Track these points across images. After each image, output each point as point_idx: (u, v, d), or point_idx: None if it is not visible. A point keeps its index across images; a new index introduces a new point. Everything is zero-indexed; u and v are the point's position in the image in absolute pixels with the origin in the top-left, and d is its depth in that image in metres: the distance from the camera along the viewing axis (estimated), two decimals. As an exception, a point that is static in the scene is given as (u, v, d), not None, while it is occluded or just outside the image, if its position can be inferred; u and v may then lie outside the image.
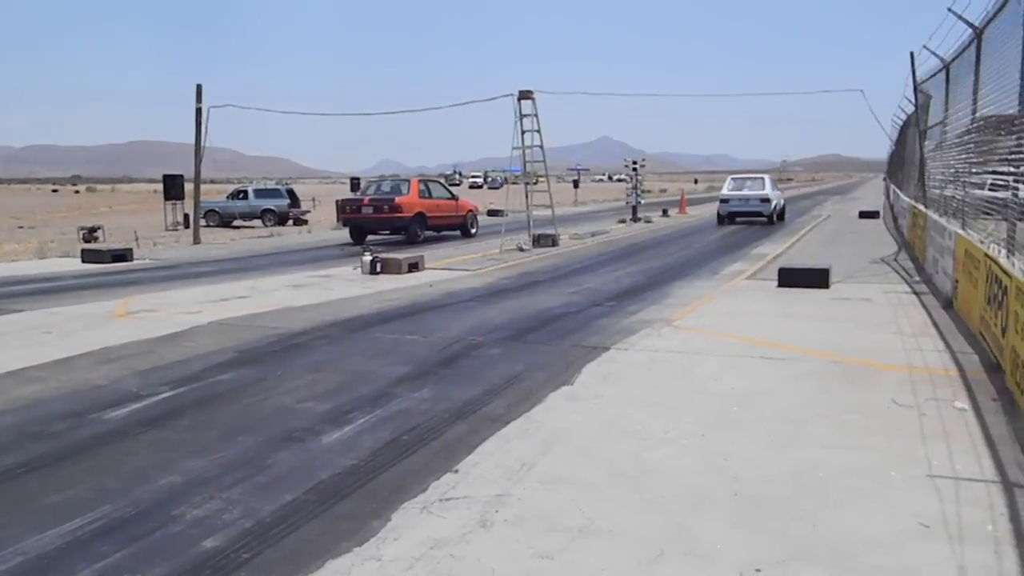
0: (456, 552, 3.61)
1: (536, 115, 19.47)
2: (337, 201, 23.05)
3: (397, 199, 21.07)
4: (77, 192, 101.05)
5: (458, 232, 22.95)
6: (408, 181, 22.23)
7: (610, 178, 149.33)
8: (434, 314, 10.16)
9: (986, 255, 7.45)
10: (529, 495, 4.23)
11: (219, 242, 23.38)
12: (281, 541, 3.78)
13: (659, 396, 6.07)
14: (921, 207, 15.66)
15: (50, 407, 6.09)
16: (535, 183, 20.90)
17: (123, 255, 17.55)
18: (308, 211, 35.15)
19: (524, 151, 19.73)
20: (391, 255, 14.85)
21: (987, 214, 8.75)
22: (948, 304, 9.74)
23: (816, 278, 11.46)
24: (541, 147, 19.71)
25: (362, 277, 13.89)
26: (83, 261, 17.25)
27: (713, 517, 3.93)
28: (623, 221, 28.55)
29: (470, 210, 23.54)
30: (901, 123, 25.37)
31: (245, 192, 34.50)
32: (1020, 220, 6.83)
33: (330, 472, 4.65)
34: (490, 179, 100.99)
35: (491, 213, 32.46)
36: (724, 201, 27.73)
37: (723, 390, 6.20)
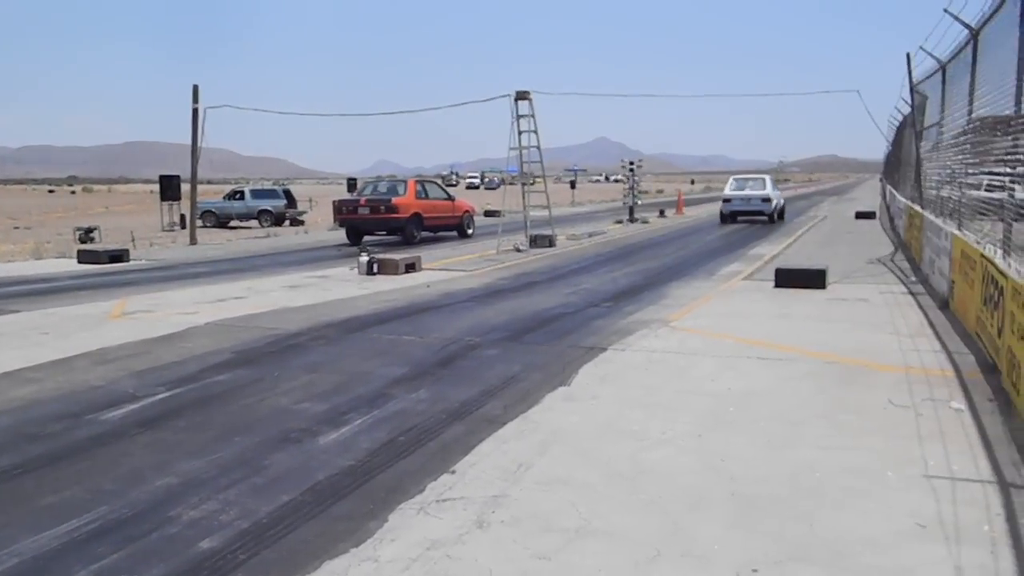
0: (453, 553, 3.60)
1: (533, 115, 19.49)
2: (334, 202, 23.03)
3: (394, 200, 21.06)
4: (73, 193, 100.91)
5: (455, 233, 22.94)
6: (405, 182, 22.21)
7: (607, 179, 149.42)
8: (431, 315, 10.16)
9: (982, 256, 7.46)
10: (526, 496, 4.23)
11: (216, 243, 23.34)
12: (278, 542, 3.78)
13: (656, 397, 6.07)
14: (917, 208, 15.70)
15: (46, 408, 6.07)
16: (532, 184, 20.90)
17: (119, 256, 17.52)
18: (305, 212, 35.12)
19: (521, 152, 19.75)
20: (388, 256, 14.84)
21: (983, 215, 8.77)
22: (944, 305, 9.76)
23: (813, 279, 11.48)
24: (538, 148, 19.72)
25: (359, 278, 13.88)
26: (79, 262, 17.21)
27: (710, 517, 3.93)
28: (620, 222, 28.57)
29: (467, 211, 23.54)
30: (897, 124, 25.43)
31: (242, 193, 34.46)
32: (1016, 221, 6.85)
33: (327, 473, 4.65)
34: (487, 180, 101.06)
35: (488, 214, 32.47)
36: (727, 200, 28.30)
37: (720, 391, 6.20)
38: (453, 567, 3.48)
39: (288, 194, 34.52)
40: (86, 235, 23.53)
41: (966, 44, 10.12)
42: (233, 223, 32.67)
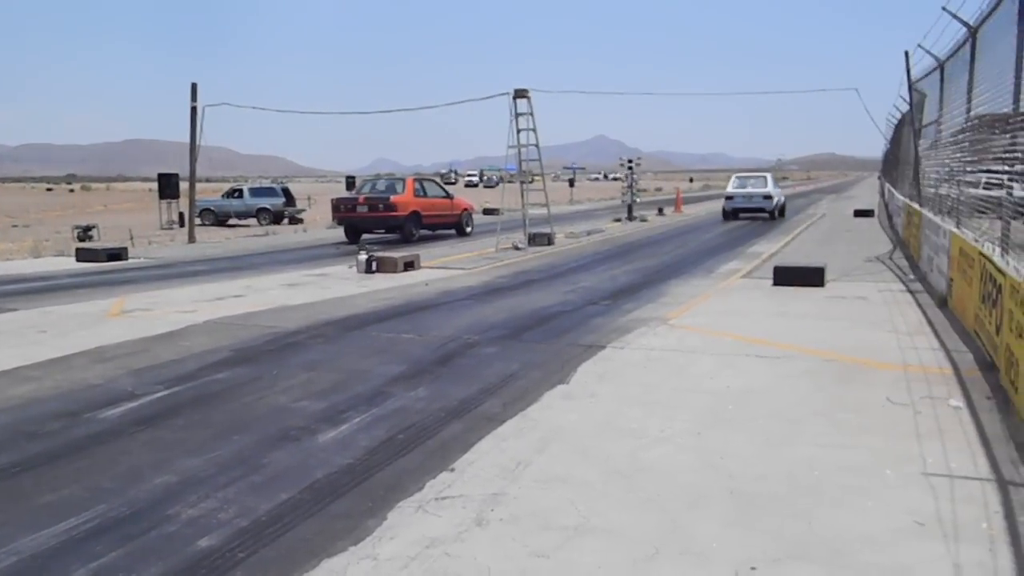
0: (452, 551, 3.61)
1: (531, 114, 19.48)
2: (332, 200, 23.02)
3: (392, 198, 21.03)
4: (72, 191, 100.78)
5: (453, 231, 22.93)
6: (403, 180, 22.18)
7: (606, 177, 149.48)
8: (430, 313, 10.16)
9: (980, 254, 7.47)
10: (525, 494, 4.23)
11: (214, 241, 23.33)
12: (277, 540, 3.78)
13: (655, 395, 6.07)
14: (916, 206, 15.70)
15: (45, 406, 6.07)
16: (531, 182, 20.90)
17: (118, 254, 17.50)
18: (303, 210, 35.10)
19: (520, 150, 19.74)
20: (387, 254, 14.84)
21: (981, 212, 8.77)
22: (943, 302, 9.77)
23: (811, 276, 11.49)
24: (537, 146, 19.71)
25: (358, 276, 13.88)
26: (78, 260, 17.19)
27: (709, 515, 3.94)
28: (619, 220, 28.57)
29: (465, 209, 23.51)
30: (896, 122, 25.43)
31: (240, 191, 34.45)
32: (1014, 218, 6.85)
33: (326, 471, 4.65)
34: (486, 178, 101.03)
35: (487, 212, 32.46)
36: (729, 198, 28.87)
37: (719, 388, 6.21)
38: (452, 565, 3.48)
39: (287, 192, 34.51)
40: (84, 233, 23.51)
41: (964, 42, 10.12)
42: (232, 221, 32.66)
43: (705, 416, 5.52)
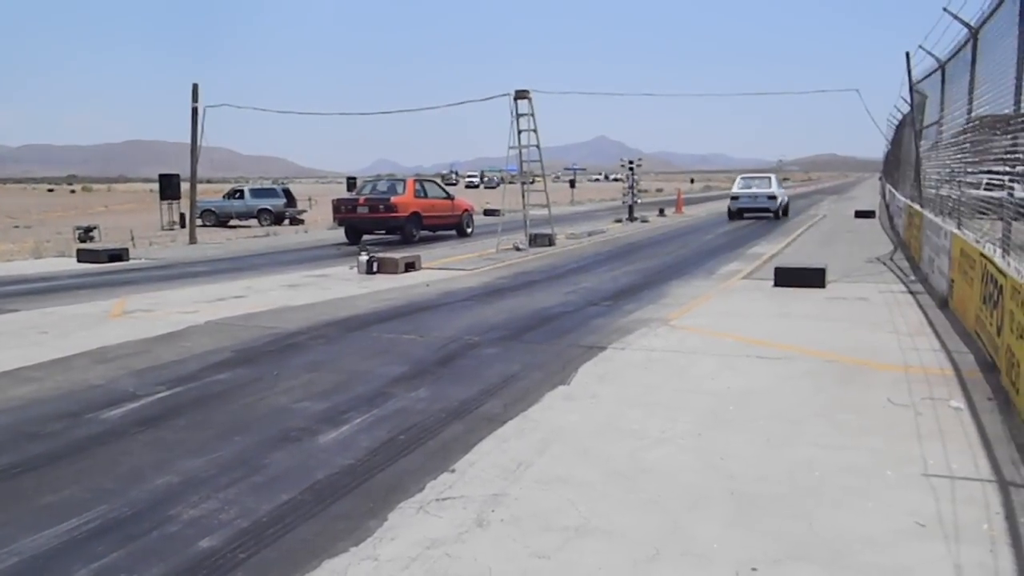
0: (453, 552, 3.61)
1: (532, 114, 19.48)
2: (333, 201, 23.03)
3: (392, 199, 21.03)
4: (73, 192, 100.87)
5: (454, 232, 22.93)
6: (404, 181, 22.17)
7: (606, 178, 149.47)
8: (431, 314, 10.16)
9: (981, 255, 7.46)
10: (526, 495, 4.24)
11: (215, 242, 23.33)
12: (278, 541, 3.78)
13: (656, 395, 6.07)
14: (917, 207, 15.70)
15: (46, 407, 6.07)
16: (531, 183, 20.90)
17: (119, 255, 17.51)
18: (304, 211, 35.11)
19: (520, 151, 19.74)
20: (388, 255, 14.84)
21: (983, 214, 8.77)
22: (944, 303, 9.76)
23: (812, 278, 11.48)
24: (537, 147, 19.71)
25: (359, 277, 13.88)
26: (79, 261, 17.21)
27: (709, 516, 3.94)
28: (619, 221, 28.57)
29: (466, 210, 23.51)
30: (897, 123, 25.43)
31: (241, 192, 34.46)
32: (1015, 220, 6.85)
33: (327, 472, 4.65)
34: (486, 179, 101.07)
35: (488, 213, 32.46)
36: (734, 198, 29.63)
37: (719, 389, 6.21)
38: (453, 566, 3.48)
39: (288, 193, 34.52)
40: (85, 234, 23.52)
41: (965, 43, 10.11)
42: (233, 222, 32.65)
43: (706, 417, 5.52)
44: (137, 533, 3.88)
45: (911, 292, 11.06)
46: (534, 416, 5.63)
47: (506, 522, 3.91)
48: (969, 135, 9.83)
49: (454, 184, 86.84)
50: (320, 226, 29.09)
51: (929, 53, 13.08)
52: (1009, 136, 7.21)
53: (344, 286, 12.73)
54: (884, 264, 14.57)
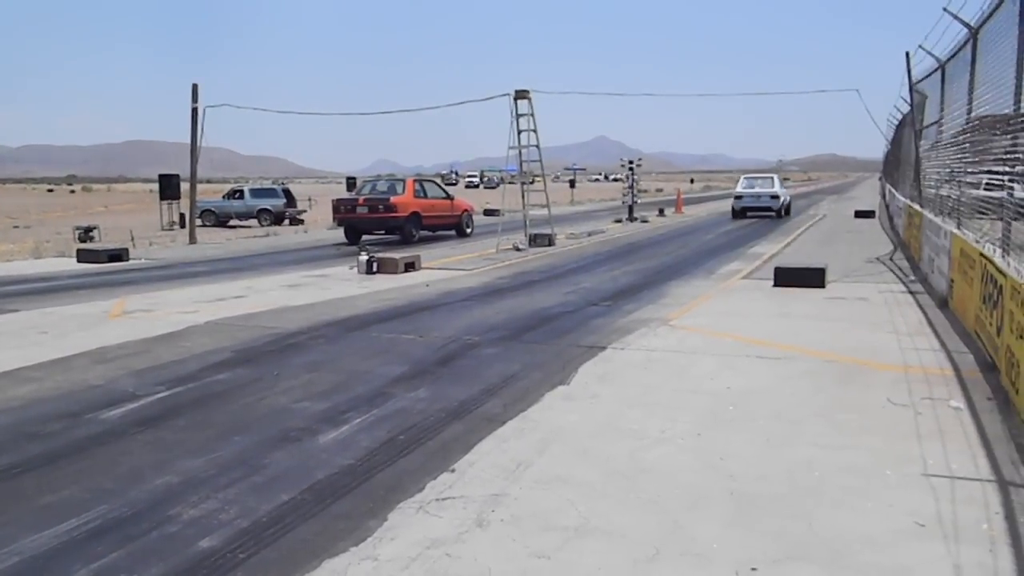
0: (453, 552, 3.61)
1: (532, 115, 19.48)
2: (333, 201, 23.02)
3: (392, 199, 21.02)
4: (73, 192, 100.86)
5: (453, 232, 22.91)
6: (403, 181, 22.16)
7: (606, 178, 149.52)
8: (431, 314, 10.16)
9: (981, 255, 7.47)
10: (526, 494, 4.24)
11: (215, 242, 23.34)
12: (277, 541, 3.78)
13: (655, 395, 6.07)
14: (917, 207, 15.70)
15: (46, 407, 6.07)
16: (531, 183, 20.90)
17: (119, 255, 17.51)
18: (304, 211, 35.10)
19: (520, 151, 19.74)
20: (388, 255, 14.84)
21: (982, 213, 8.78)
22: (943, 303, 9.77)
23: (812, 277, 11.48)
24: (537, 147, 19.70)
25: (358, 277, 13.89)
26: (79, 261, 17.21)
27: (709, 516, 3.94)
28: (619, 221, 28.57)
29: (465, 210, 23.50)
30: (897, 123, 25.44)
31: (241, 192, 34.45)
32: (1015, 220, 6.86)
33: (327, 472, 4.65)
34: (486, 179, 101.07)
35: (487, 213, 32.46)
36: (738, 197, 30.41)
37: (719, 389, 6.21)
38: (453, 566, 3.48)
39: (287, 193, 34.51)
40: (85, 234, 23.52)
41: (965, 43, 10.12)
42: (232, 222, 32.65)
43: (706, 417, 5.53)
44: (137, 533, 3.88)
45: (911, 292, 11.06)
46: (534, 416, 5.63)
47: (506, 522, 3.91)
48: (969, 135, 9.84)
49: (454, 184, 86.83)
50: (320, 226, 29.09)
51: (929, 53, 13.10)
52: (1009, 136, 7.21)
53: (344, 286, 12.73)
54: (884, 264, 14.57)
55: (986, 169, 8.76)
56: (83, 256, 17.41)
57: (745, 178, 32.37)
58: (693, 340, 8.06)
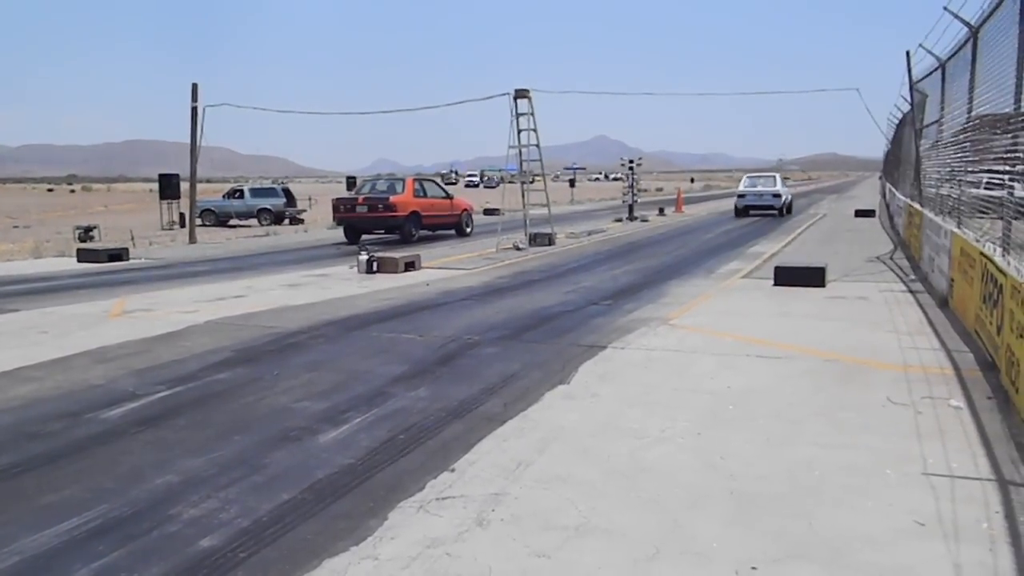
0: (453, 551, 3.61)
1: (532, 114, 19.48)
2: (333, 200, 23.02)
3: (392, 198, 21.00)
4: (73, 191, 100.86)
5: (453, 231, 22.90)
6: (403, 180, 22.14)
7: (607, 177, 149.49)
8: (431, 313, 10.16)
9: (981, 254, 7.47)
10: (526, 494, 4.24)
11: (215, 241, 23.34)
12: (278, 540, 3.78)
13: (655, 395, 6.08)
14: (917, 206, 15.70)
15: (46, 407, 6.08)
16: (531, 182, 20.90)
17: (119, 254, 17.52)
18: (304, 210, 35.12)
19: (520, 150, 19.74)
20: (388, 254, 14.84)
21: (983, 213, 8.78)
22: (944, 303, 9.77)
23: (812, 277, 11.48)
24: (537, 146, 19.71)
25: (358, 276, 13.89)
26: (79, 261, 17.22)
27: (709, 515, 3.94)
28: (619, 220, 28.58)
29: (465, 209, 23.49)
30: (897, 122, 25.43)
31: (241, 191, 34.45)
32: (1015, 219, 6.86)
33: (327, 471, 4.65)
34: (486, 178, 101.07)
35: (488, 212, 32.47)
36: (741, 196, 31.07)
37: (719, 388, 6.21)
38: (453, 565, 3.48)
39: (287, 193, 34.51)
40: (85, 234, 23.53)
41: (966, 42, 10.12)
42: (232, 222, 32.66)
43: (706, 416, 5.53)
44: (137, 532, 3.88)
45: (911, 291, 11.06)
46: (534, 415, 5.64)
47: (506, 521, 3.91)
48: (969, 134, 9.84)
49: (454, 183, 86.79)
50: (320, 225, 29.09)
51: (929, 52, 13.09)
52: (1009, 135, 7.21)
53: (344, 285, 12.73)
54: (884, 263, 14.57)
55: (986, 168, 8.76)
56: (83, 256, 17.41)
57: (748, 177, 33.02)
58: (693, 339, 8.06)
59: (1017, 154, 6.88)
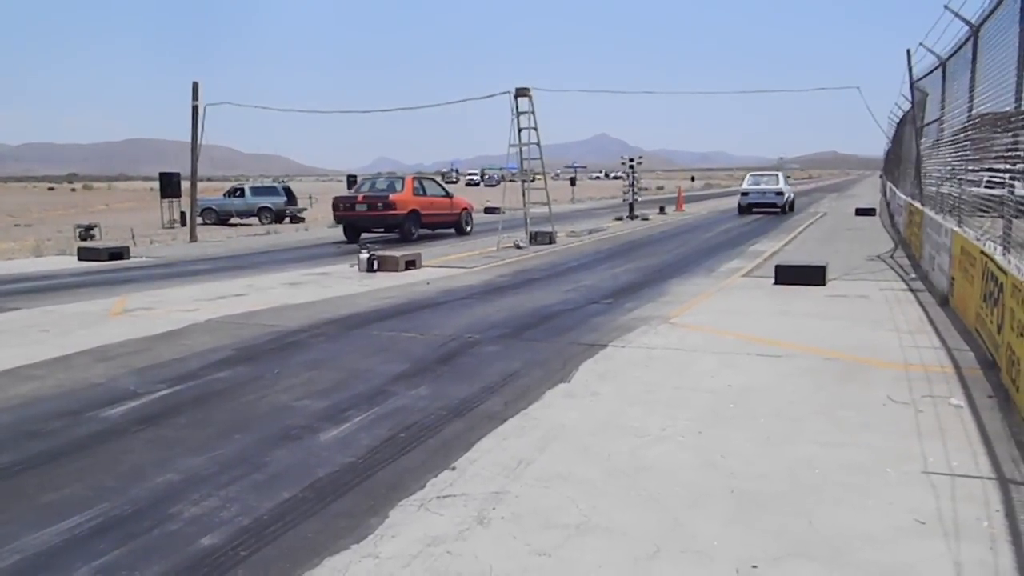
0: (454, 549, 3.61)
1: (533, 112, 19.47)
2: (333, 198, 23.01)
3: (391, 196, 20.98)
4: (73, 190, 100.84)
5: (452, 230, 22.88)
6: (402, 179, 22.12)
7: (607, 175, 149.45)
8: (431, 311, 10.17)
9: (982, 252, 7.47)
10: (526, 492, 4.24)
11: (216, 240, 23.35)
12: (279, 539, 3.78)
13: (656, 393, 6.08)
14: (917, 204, 15.70)
15: (47, 405, 6.08)
16: (532, 180, 20.89)
17: (120, 253, 17.52)
18: (305, 209, 35.12)
19: (521, 148, 19.73)
20: (388, 253, 14.84)
21: (983, 211, 8.78)
22: (944, 301, 9.77)
23: (813, 275, 11.48)
24: (538, 144, 19.70)
25: (359, 275, 13.89)
26: (79, 259, 17.22)
27: (710, 514, 3.94)
28: (620, 218, 28.58)
29: (465, 208, 23.47)
30: (898, 120, 25.42)
31: (242, 190, 34.46)
32: (1016, 217, 6.86)
33: (328, 470, 4.65)
34: (487, 177, 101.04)
35: (488, 211, 32.46)
36: (744, 194, 31.86)
37: (720, 387, 6.21)
38: (454, 563, 3.49)
39: (288, 191, 34.52)
40: (86, 232, 23.54)
41: (966, 40, 10.11)
42: (233, 220, 32.68)
43: (706, 415, 5.53)
44: (138, 531, 3.89)
45: (911, 290, 11.06)
46: (535, 414, 5.64)
47: (507, 520, 3.91)
48: (970, 133, 9.83)
49: (455, 182, 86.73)
50: (321, 224, 29.10)
51: (930, 51, 13.09)
52: (1010, 134, 7.21)
53: (345, 284, 12.74)
54: (884, 262, 14.57)
55: (987, 167, 8.76)
56: (84, 254, 17.42)
57: (751, 176, 33.85)
58: (694, 338, 8.07)
59: (1018, 153, 6.88)
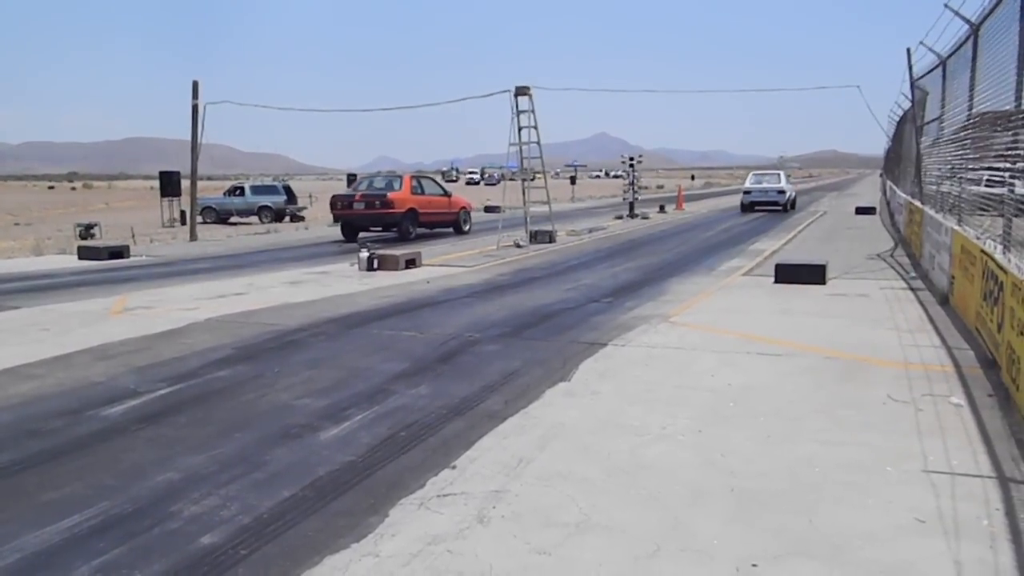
0: (454, 548, 3.61)
1: (533, 111, 19.46)
2: (331, 197, 22.99)
3: (389, 195, 20.94)
4: (73, 189, 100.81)
5: (451, 229, 22.86)
6: (400, 177, 22.10)
7: (607, 174, 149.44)
8: (431, 310, 10.17)
9: (982, 251, 7.46)
10: (526, 491, 4.24)
11: (216, 239, 23.35)
12: (279, 537, 3.79)
13: (656, 392, 6.08)
14: (918, 203, 15.69)
15: (47, 404, 6.08)
16: (532, 179, 20.88)
17: (120, 252, 17.52)
18: (305, 207, 35.12)
19: (521, 147, 19.72)
20: (388, 252, 14.84)
21: (983, 210, 8.78)
22: (944, 300, 9.77)
23: (813, 274, 11.48)
24: (538, 143, 19.69)
25: (359, 273, 13.89)
26: (80, 258, 17.22)
27: (710, 512, 3.94)
28: (620, 217, 28.57)
29: (463, 207, 23.44)
30: (898, 119, 25.41)
31: (242, 188, 34.44)
32: (1016, 216, 6.86)
33: (328, 468, 4.66)
34: (487, 175, 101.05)
35: (488, 209, 32.45)
36: (747, 192, 32.35)
37: (720, 386, 6.21)
38: (454, 562, 3.49)
39: (288, 190, 34.50)
40: (86, 231, 23.54)
41: (966, 39, 10.11)
42: (233, 219, 32.67)
43: (706, 413, 5.53)
44: (139, 530, 3.89)
45: (912, 288, 11.06)
46: (535, 412, 5.64)
47: (507, 518, 3.91)
48: (970, 131, 9.83)
49: (455, 181, 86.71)
50: (321, 223, 29.10)
51: (930, 49, 13.08)
52: (1010, 132, 7.21)
53: (345, 283, 12.74)
54: (885, 261, 14.57)
55: (987, 165, 8.75)
56: (84, 253, 17.41)
57: (754, 174, 34.39)
58: (694, 337, 8.07)
59: (1018, 151, 6.88)
